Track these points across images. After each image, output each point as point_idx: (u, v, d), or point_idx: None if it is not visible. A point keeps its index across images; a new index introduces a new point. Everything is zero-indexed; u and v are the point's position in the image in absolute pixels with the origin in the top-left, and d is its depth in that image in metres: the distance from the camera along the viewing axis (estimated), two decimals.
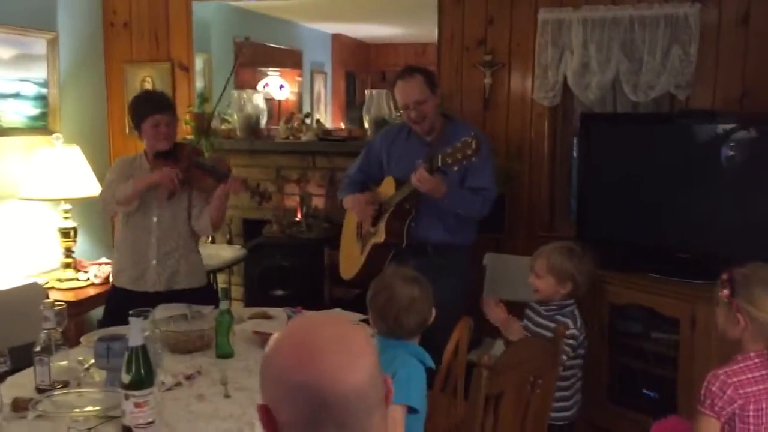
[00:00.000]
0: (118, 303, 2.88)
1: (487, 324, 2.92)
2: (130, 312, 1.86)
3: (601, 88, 3.71)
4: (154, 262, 2.92)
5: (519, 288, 3.53)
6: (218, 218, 2.97)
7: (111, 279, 3.15)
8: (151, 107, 2.94)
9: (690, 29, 3.56)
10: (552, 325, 2.51)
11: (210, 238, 4.33)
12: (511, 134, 3.96)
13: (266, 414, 0.99)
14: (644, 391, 3.39)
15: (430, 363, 1.88)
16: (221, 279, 4.39)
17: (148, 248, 2.92)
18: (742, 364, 1.89)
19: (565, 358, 2.47)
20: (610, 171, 3.57)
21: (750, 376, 1.87)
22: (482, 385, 1.74)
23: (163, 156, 2.94)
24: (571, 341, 2.60)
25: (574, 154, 3.86)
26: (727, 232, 3.17)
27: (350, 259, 3.24)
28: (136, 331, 1.81)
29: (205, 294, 3.02)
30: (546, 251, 2.74)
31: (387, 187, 3.07)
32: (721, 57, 3.62)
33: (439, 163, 2.71)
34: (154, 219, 2.93)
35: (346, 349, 0.98)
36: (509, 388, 1.87)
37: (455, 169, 2.69)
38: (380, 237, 2.98)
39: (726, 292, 1.93)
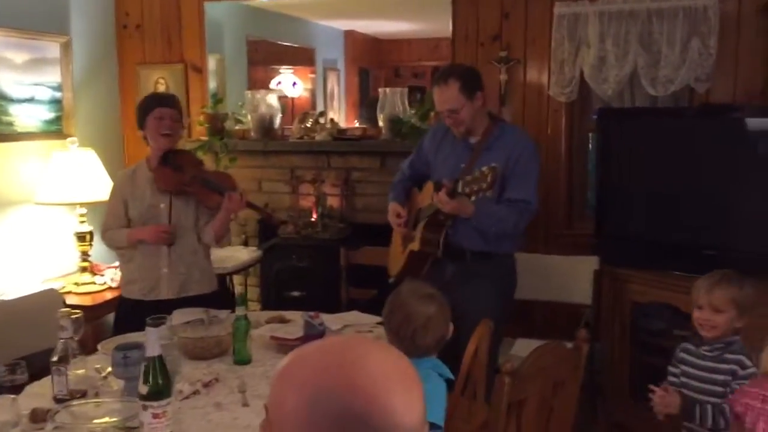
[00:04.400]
0: (129, 313, 2.86)
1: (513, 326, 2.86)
2: (147, 321, 1.84)
3: (618, 83, 3.65)
4: (166, 270, 2.89)
5: (542, 287, 3.53)
6: (220, 234, 2.95)
7: (121, 290, 3.09)
8: (156, 102, 2.94)
9: (709, 21, 3.48)
10: (723, 366, 2.25)
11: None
12: (527, 131, 3.90)
13: None
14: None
15: (449, 375, 1.84)
16: (237, 281, 4.38)
17: (159, 257, 2.89)
18: None
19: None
20: (630, 166, 3.52)
21: None
22: (504, 391, 1.70)
23: (166, 164, 2.90)
24: (745, 383, 2.18)
25: (591, 149, 3.81)
26: (751, 228, 3.11)
27: (395, 259, 3.18)
28: (152, 340, 1.79)
29: (216, 298, 3.00)
30: (722, 281, 2.32)
31: (426, 194, 2.99)
32: (741, 49, 3.55)
33: (459, 190, 2.64)
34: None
35: (407, 387, 0.87)
36: (532, 394, 1.83)
37: (472, 199, 2.62)
38: (415, 245, 2.93)
39: None
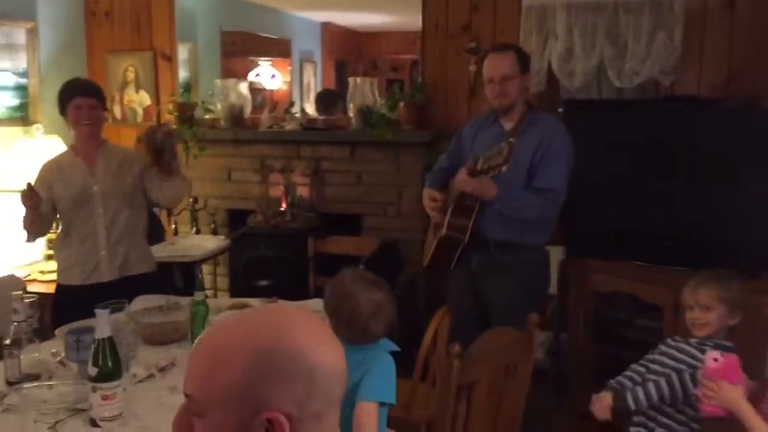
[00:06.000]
0: (70, 299, 2.82)
1: None
2: (98, 305, 1.83)
3: (585, 75, 3.68)
4: (104, 252, 2.87)
5: None
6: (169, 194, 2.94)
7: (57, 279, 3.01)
8: (75, 91, 2.91)
9: (675, 14, 3.53)
10: (700, 356, 2.19)
11: (194, 229, 4.30)
12: None
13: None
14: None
15: (396, 347, 1.84)
16: (207, 270, 4.37)
17: (96, 240, 2.87)
18: None
19: None
20: (595, 157, 3.52)
21: None
22: (453, 374, 1.72)
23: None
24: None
25: None
26: (710, 218, 3.15)
27: (429, 247, 3.12)
28: (102, 323, 1.78)
29: (158, 279, 3.03)
30: (707, 279, 2.33)
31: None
32: (706, 42, 3.60)
33: (478, 167, 2.62)
34: (100, 210, 2.87)
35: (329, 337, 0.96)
36: (482, 377, 1.85)
37: (491, 175, 2.59)
38: (443, 231, 2.88)
39: None
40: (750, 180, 3.07)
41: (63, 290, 2.95)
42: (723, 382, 1.91)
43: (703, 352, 2.17)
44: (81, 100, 2.88)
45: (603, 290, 3.37)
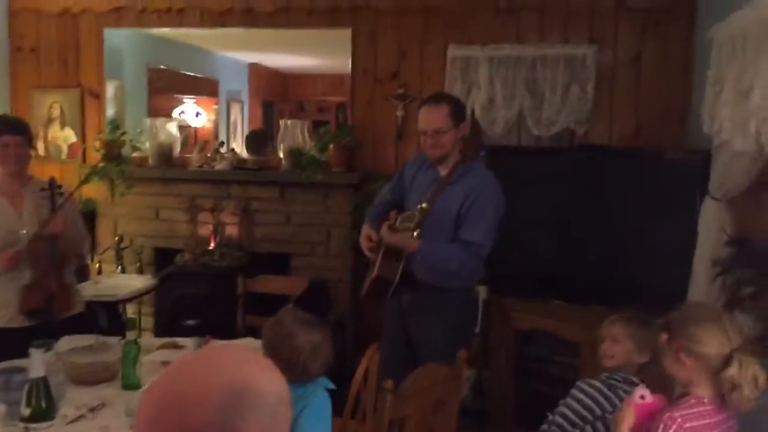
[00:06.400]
0: None
1: None
2: (32, 344, 1.83)
3: (506, 122, 3.89)
4: None
5: None
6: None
7: None
8: (2, 128, 2.90)
9: (587, 69, 3.79)
10: (612, 396, 2.31)
11: (119, 268, 4.25)
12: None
13: None
14: (549, 414, 3.51)
15: (332, 386, 1.91)
16: (131, 309, 4.30)
17: (19, 282, 2.82)
18: (695, 410, 1.84)
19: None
20: (515, 201, 3.70)
21: (703, 422, 1.84)
22: (386, 409, 1.79)
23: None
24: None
25: None
26: (622, 259, 3.36)
27: (366, 278, 3.12)
28: (36, 362, 1.78)
29: (84, 320, 3.00)
30: (624, 318, 2.43)
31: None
32: (616, 94, 3.88)
33: (396, 225, 2.75)
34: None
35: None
36: (412, 412, 1.93)
37: (415, 234, 2.73)
38: (375, 271, 2.92)
39: (665, 336, 1.88)
40: (656, 224, 3.30)
41: None
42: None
43: (610, 387, 2.32)
44: (8, 138, 2.86)
45: (523, 327, 3.52)
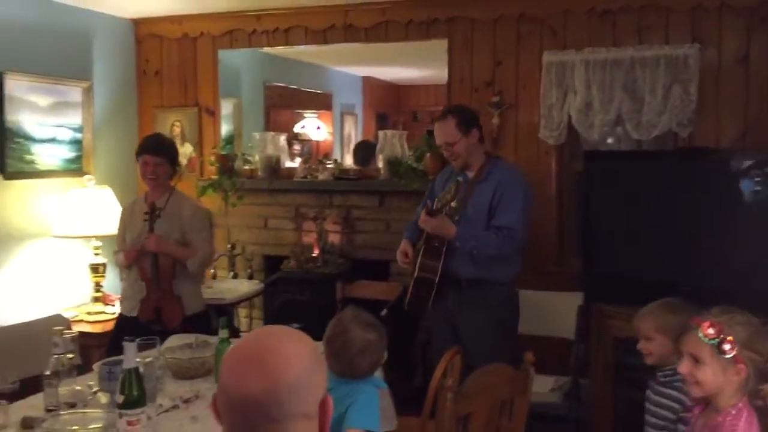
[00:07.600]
0: (124, 326, 3.24)
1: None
2: (125, 338, 2.02)
3: (604, 127, 3.81)
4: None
5: (549, 323, 3.70)
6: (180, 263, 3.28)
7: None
8: (143, 149, 3.33)
9: (690, 69, 3.65)
10: (665, 401, 2.29)
11: (232, 274, 4.52)
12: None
13: None
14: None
15: (383, 384, 2.00)
16: (243, 313, 4.57)
17: (142, 295, 3.27)
18: (744, 418, 1.79)
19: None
20: (615, 207, 3.64)
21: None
22: (447, 406, 1.84)
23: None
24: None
25: None
26: (729, 266, 3.21)
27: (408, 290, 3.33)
28: (129, 354, 1.97)
29: (202, 320, 3.37)
30: (648, 311, 2.43)
31: None
32: (722, 95, 3.70)
33: (434, 207, 2.93)
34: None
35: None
36: (477, 411, 1.97)
37: (444, 212, 2.90)
38: (416, 272, 3.11)
39: (728, 346, 1.77)
40: (763, 231, 3.13)
41: (120, 317, 3.42)
42: None
43: (666, 385, 2.30)
44: (148, 157, 3.28)
45: (621, 335, 3.43)
